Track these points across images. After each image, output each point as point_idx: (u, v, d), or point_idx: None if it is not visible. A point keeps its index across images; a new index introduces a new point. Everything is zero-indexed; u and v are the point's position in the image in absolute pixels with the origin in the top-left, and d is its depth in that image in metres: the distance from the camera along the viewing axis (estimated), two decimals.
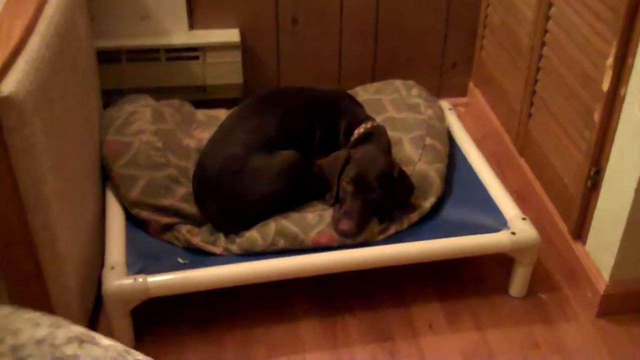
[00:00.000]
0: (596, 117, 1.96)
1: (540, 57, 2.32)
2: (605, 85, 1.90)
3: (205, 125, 2.37)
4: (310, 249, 1.97)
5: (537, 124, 2.40)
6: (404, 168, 2.15)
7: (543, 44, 2.29)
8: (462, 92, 3.01)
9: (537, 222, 2.12)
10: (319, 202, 2.12)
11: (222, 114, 2.42)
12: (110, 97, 2.48)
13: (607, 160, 1.97)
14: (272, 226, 1.98)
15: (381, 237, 2.02)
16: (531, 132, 2.45)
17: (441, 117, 2.43)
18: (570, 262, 2.17)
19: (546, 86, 2.31)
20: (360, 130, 2.15)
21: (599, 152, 1.99)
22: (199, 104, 2.61)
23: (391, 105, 2.44)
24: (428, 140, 2.27)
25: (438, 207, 2.15)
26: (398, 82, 2.56)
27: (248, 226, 2.00)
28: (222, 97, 2.76)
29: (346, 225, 1.93)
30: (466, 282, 2.17)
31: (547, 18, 2.24)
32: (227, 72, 2.69)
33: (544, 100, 2.32)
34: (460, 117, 2.82)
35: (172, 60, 2.64)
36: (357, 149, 2.08)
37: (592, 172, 2.02)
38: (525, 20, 2.40)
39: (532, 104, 2.42)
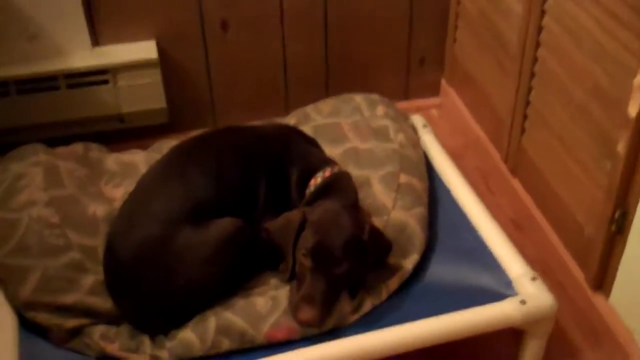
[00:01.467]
0: (621, 147, 1.51)
1: (535, 60, 1.85)
2: (633, 110, 1.45)
3: (119, 178, 1.86)
4: (265, 346, 1.51)
5: (533, 142, 1.95)
6: (375, 219, 1.69)
7: (538, 44, 1.82)
8: (434, 91, 2.56)
9: (541, 262, 1.68)
10: (271, 275, 1.64)
11: (139, 159, 1.91)
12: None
13: (638, 200, 1.52)
14: (211, 322, 1.51)
15: (355, 317, 1.57)
16: (526, 150, 2.00)
17: (415, 142, 1.96)
18: (591, 319, 1.75)
19: (544, 97, 1.85)
20: (317, 180, 1.68)
21: (625, 190, 1.56)
22: (117, 136, 2.10)
23: (353, 130, 1.96)
24: (403, 178, 1.80)
25: (422, 265, 1.70)
26: (358, 98, 2.08)
27: (179, 324, 1.52)
28: (145, 124, 2.25)
29: (307, 313, 1.48)
30: None
31: (542, 13, 1.77)
32: (146, 95, 2.17)
33: (542, 114, 1.87)
34: (434, 122, 2.38)
35: (75, 88, 2.13)
36: (314, 206, 1.61)
37: (617, 215, 1.58)
38: (512, 13, 1.93)
39: (525, 116, 1.96)
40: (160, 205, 1.56)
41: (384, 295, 1.61)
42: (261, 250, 1.63)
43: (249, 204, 1.65)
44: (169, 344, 1.51)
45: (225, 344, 1.50)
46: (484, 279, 1.64)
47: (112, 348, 1.51)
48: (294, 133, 1.78)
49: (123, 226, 1.56)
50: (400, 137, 1.92)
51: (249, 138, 1.71)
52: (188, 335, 1.51)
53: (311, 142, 1.80)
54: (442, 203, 1.87)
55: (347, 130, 1.96)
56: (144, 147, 2.01)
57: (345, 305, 1.56)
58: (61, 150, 1.89)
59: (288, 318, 1.52)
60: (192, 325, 1.52)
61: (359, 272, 1.57)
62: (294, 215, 1.59)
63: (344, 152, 1.88)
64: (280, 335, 1.51)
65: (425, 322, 1.55)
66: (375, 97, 2.08)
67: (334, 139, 1.92)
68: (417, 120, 2.10)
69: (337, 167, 1.72)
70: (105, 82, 2.13)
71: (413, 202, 1.76)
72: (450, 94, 2.49)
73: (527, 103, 1.93)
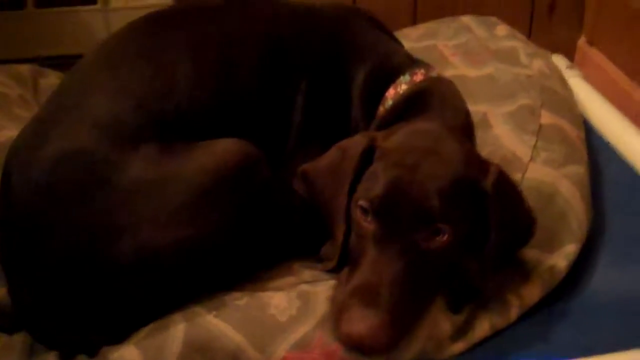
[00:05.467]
0: None
1: None
2: None
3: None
4: None
5: None
6: None
7: None
8: (568, 54, 1.76)
9: None
10: (306, 264, 0.89)
11: None
12: None
13: None
14: (178, 331, 0.79)
15: (459, 346, 0.83)
16: None
17: (561, 77, 1.20)
18: None
19: None
20: (399, 88, 0.95)
21: None
22: None
23: (459, 54, 1.25)
24: (546, 117, 1.05)
25: (584, 263, 0.94)
26: (466, 19, 1.35)
27: (119, 332, 0.81)
28: None
29: (362, 321, 0.73)
30: None
31: None
32: None
33: None
34: None
35: None
36: (392, 129, 0.86)
37: None
38: None
39: None
40: (103, 105, 0.83)
41: (514, 310, 0.87)
42: (290, 213, 0.89)
43: (273, 127, 0.92)
44: None
45: None
46: None
47: None
48: (365, 18, 1.03)
49: (30, 139, 0.84)
50: (539, 64, 1.18)
51: (282, 16, 0.97)
52: (130, 357, 0.77)
53: (391, 37, 1.06)
54: (610, 169, 1.10)
55: (450, 53, 1.24)
56: None
57: (440, 321, 0.82)
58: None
59: (327, 334, 0.77)
60: (141, 336, 0.79)
61: (469, 255, 0.82)
62: (354, 142, 0.85)
63: None
64: None
65: None
66: (493, 19, 1.35)
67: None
68: (559, 59, 1.35)
69: (434, 70, 0.98)
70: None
71: (566, 155, 1.01)
72: (592, 58, 1.72)
73: None
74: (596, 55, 1.75)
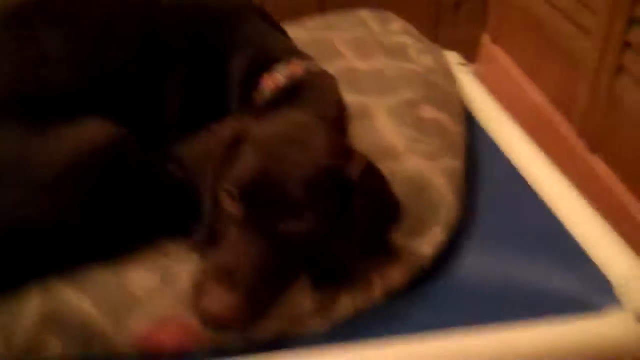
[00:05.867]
0: None
1: None
2: None
3: None
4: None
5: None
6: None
7: None
8: (470, 52, 1.81)
9: None
10: (176, 242, 0.90)
11: None
12: None
13: None
14: (33, 304, 0.80)
15: (318, 321, 0.85)
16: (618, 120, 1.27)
17: (448, 73, 1.25)
18: None
19: None
20: (276, 78, 0.97)
21: None
22: None
23: (352, 48, 1.26)
24: (427, 111, 1.10)
25: (451, 252, 0.98)
26: (364, 13, 1.38)
27: None
28: None
29: (218, 298, 0.75)
30: None
31: None
32: None
33: None
34: None
35: None
36: (265, 117, 0.88)
37: None
38: None
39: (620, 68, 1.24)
40: None
41: (377, 291, 0.90)
42: (163, 195, 0.90)
43: (147, 110, 0.93)
44: None
45: (53, 348, 0.76)
46: (563, 282, 0.92)
47: None
48: (249, 8, 1.05)
49: None
50: (427, 59, 1.22)
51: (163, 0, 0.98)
52: None
53: (275, 26, 1.08)
54: (490, 163, 1.15)
55: (342, 46, 1.26)
56: None
57: (302, 298, 0.85)
58: None
59: (184, 309, 0.79)
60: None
61: (333, 241, 0.85)
62: (224, 127, 0.87)
63: (333, 72, 1.15)
64: (165, 339, 0.78)
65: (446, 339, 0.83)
66: (389, 14, 1.38)
67: (320, 55, 1.20)
68: (451, 55, 1.39)
69: (313, 63, 1.01)
70: None
71: (441, 147, 1.05)
72: (494, 56, 1.78)
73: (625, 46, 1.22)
74: (498, 53, 1.81)
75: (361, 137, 1.04)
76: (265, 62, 0.96)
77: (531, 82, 1.66)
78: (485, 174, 1.14)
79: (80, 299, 0.78)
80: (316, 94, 0.95)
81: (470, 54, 1.84)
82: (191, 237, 0.89)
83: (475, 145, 1.18)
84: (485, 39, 1.86)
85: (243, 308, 0.75)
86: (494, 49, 1.81)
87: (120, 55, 0.91)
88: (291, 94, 0.94)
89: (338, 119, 0.95)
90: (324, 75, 1.00)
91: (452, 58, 1.40)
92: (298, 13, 1.53)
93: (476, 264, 0.98)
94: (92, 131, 0.82)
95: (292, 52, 1.01)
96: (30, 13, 0.90)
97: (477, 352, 0.83)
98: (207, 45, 0.97)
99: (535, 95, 1.63)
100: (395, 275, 0.91)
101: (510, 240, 0.99)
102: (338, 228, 0.85)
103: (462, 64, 1.39)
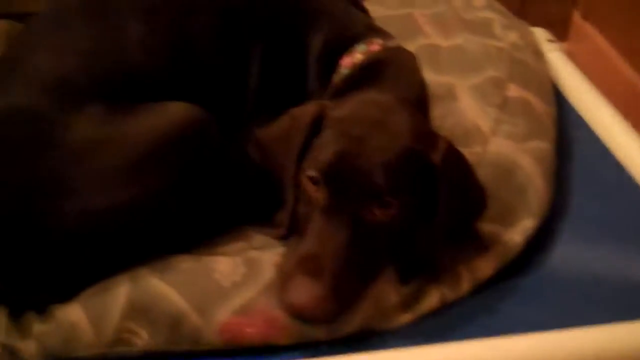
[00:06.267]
0: None
1: None
2: None
3: None
4: (219, 352, 0.78)
5: None
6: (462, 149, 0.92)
7: None
8: (559, 30, 1.73)
9: None
10: (259, 229, 0.90)
11: None
12: None
13: None
14: (120, 293, 0.79)
15: (406, 317, 0.82)
16: None
17: (537, 50, 1.20)
18: None
19: None
20: (355, 56, 0.94)
21: None
22: None
23: (432, 23, 1.23)
24: (513, 90, 1.05)
25: (542, 241, 0.93)
26: None
27: (64, 292, 0.81)
28: None
29: (305, 290, 0.74)
30: None
31: None
32: None
33: None
34: None
35: None
36: (344, 98, 0.85)
37: None
38: None
39: None
40: (49, 63, 0.84)
41: (465, 285, 0.86)
42: (244, 179, 0.89)
43: (228, 92, 0.92)
44: (38, 328, 0.79)
45: (141, 339, 0.77)
46: None
47: None
48: None
49: None
50: (513, 35, 1.17)
51: None
52: (75, 316, 0.78)
53: (355, 2, 1.05)
54: (582, 147, 1.09)
55: (424, 22, 1.23)
56: None
57: (387, 292, 0.82)
58: None
59: (270, 301, 0.78)
60: (87, 296, 0.80)
61: (417, 229, 0.82)
62: (304, 111, 0.85)
63: (415, 51, 1.12)
64: (251, 331, 0.77)
65: (542, 338, 0.80)
66: None
67: (401, 33, 1.16)
68: (539, 31, 1.33)
69: (393, 41, 0.98)
70: None
71: (530, 130, 1.01)
72: (586, 34, 1.70)
73: None
74: (590, 30, 1.73)
75: (443, 119, 1.00)
76: (345, 42, 0.94)
77: (625, 61, 1.58)
78: (577, 158, 1.09)
79: (167, 289, 0.78)
80: (396, 73, 0.92)
81: (559, 32, 1.77)
82: (274, 224, 0.88)
83: (565, 127, 1.13)
84: (576, 15, 1.79)
85: (329, 300, 0.74)
86: (585, 26, 1.73)
87: (201, 34, 0.91)
88: (370, 73, 0.92)
89: (418, 100, 0.92)
90: (404, 54, 0.97)
91: (540, 34, 1.34)
92: None
93: (568, 255, 0.94)
94: (176, 113, 0.82)
95: (372, 30, 0.99)
96: (112, 1, 0.90)
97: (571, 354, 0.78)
98: (287, 22, 0.96)
99: (630, 75, 1.55)
100: (485, 267, 0.87)
101: (606, 230, 0.94)
102: (421, 216, 0.82)
103: (551, 41, 1.32)
